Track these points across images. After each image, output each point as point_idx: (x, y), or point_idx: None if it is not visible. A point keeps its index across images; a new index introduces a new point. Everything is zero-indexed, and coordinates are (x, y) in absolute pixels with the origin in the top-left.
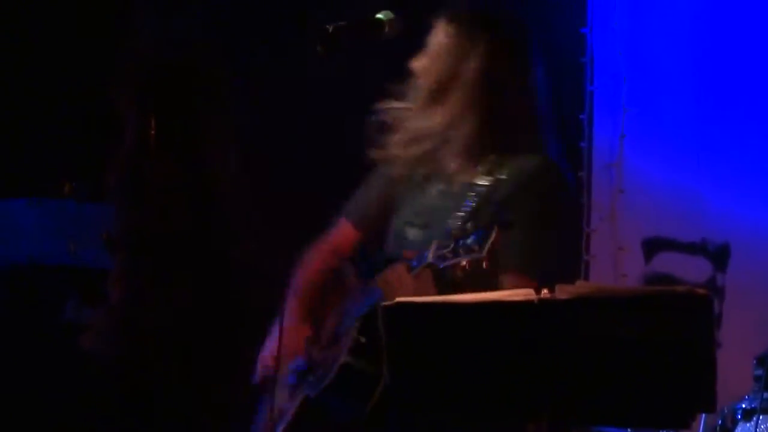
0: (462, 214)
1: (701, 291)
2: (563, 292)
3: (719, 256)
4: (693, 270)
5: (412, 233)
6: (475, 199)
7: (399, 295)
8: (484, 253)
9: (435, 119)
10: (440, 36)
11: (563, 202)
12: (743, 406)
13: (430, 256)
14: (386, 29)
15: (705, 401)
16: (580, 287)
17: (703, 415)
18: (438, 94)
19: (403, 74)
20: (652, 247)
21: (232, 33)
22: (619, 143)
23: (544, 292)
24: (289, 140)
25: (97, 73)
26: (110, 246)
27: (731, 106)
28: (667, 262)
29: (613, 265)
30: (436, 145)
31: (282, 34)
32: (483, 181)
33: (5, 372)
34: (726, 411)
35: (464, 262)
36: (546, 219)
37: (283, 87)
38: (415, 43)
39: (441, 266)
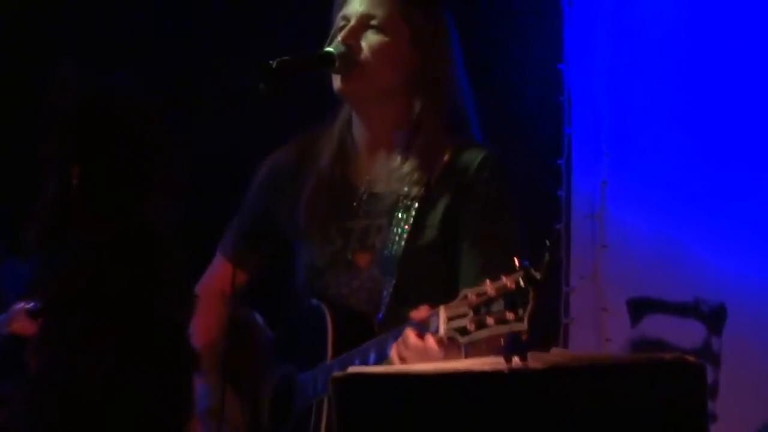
0: (401, 230)
1: (692, 359)
2: (537, 360)
3: (714, 319)
4: (685, 334)
5: (349, 262)
6: (413, 211)
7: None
8: (526, 324)
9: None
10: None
11: (513, 196)
12: None
13: (442, 326)
14: (337, 64)
15: None
16: (555, 355)
17: None
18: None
19: None
20: (639, 308)
21: (167, 75)
22: (601, 192)
23: (516, 361)
24: (230, 190)
25: (14, 122)
26: (29, 312)
27: (725, 150)
28: (656, 325)
29: (596, 328)
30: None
31: (221, 77)
32: (415, 189)
33: None
34: None
35: (501, 339)
36: (504, 222)
37: (223, 132)
38: None
39: (464, 342)
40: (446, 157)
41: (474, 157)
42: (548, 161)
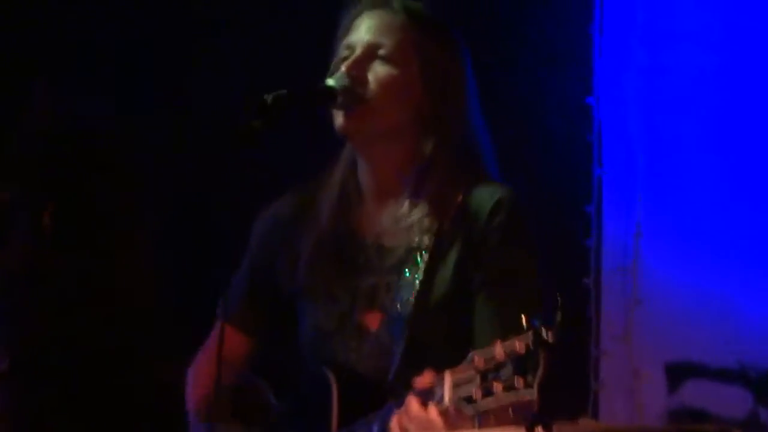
0: (411, 287)
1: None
2: None
3: (762, 386)
4: (729, 403)
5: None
6: (423, 264)
7: None
8: (536, 391)
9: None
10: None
11: (532, 242)
12: None
13: (447, 395)
14: (339, 99)
15: None
16: (584, 426)
17: None
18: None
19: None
20: (678, 373)
21: (141, 111)
22: (635, 242)
23: None
24: (207, 230)
25: None
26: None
27: None
28: (696, 393)
29: (629, 395)
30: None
31: (204, 110)
32: (425, 238)
33: None
34: None
35: (510, 410)
36: (521, 272)
37: (206, 170)
38: None
39: (471, 413)
40: (458, 199)
41: (488, 197)
42: (576, 207)
